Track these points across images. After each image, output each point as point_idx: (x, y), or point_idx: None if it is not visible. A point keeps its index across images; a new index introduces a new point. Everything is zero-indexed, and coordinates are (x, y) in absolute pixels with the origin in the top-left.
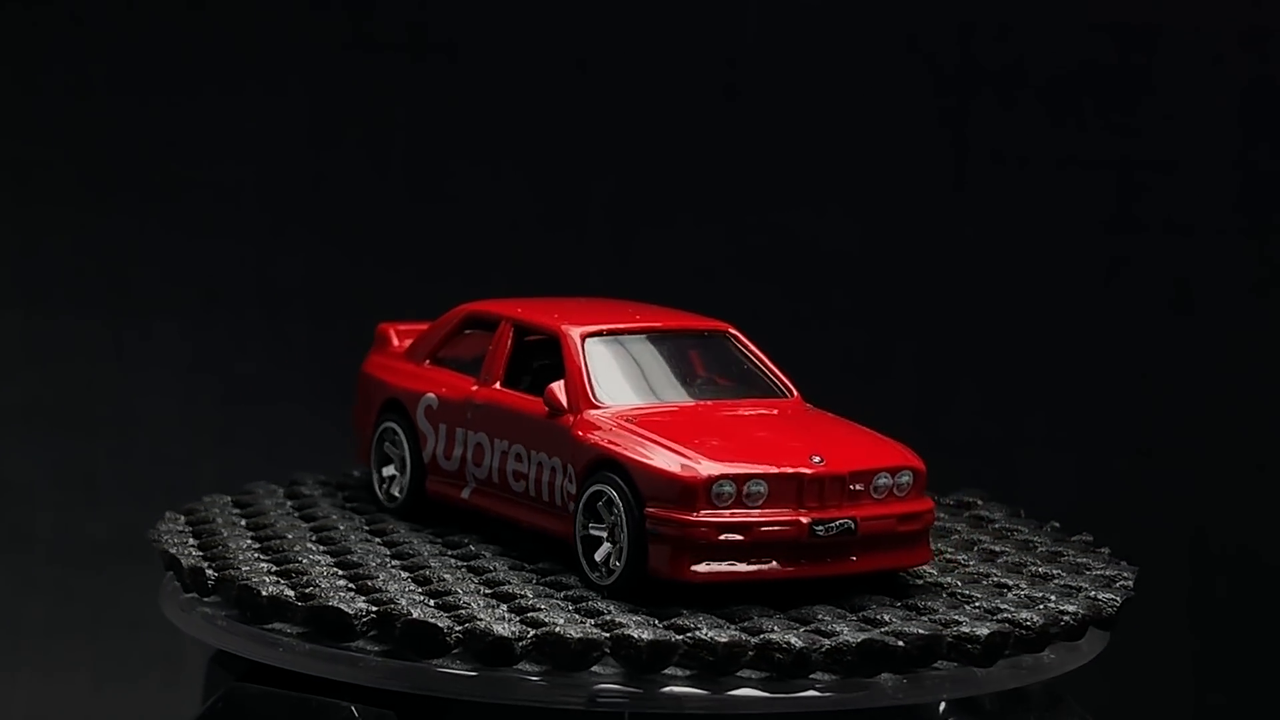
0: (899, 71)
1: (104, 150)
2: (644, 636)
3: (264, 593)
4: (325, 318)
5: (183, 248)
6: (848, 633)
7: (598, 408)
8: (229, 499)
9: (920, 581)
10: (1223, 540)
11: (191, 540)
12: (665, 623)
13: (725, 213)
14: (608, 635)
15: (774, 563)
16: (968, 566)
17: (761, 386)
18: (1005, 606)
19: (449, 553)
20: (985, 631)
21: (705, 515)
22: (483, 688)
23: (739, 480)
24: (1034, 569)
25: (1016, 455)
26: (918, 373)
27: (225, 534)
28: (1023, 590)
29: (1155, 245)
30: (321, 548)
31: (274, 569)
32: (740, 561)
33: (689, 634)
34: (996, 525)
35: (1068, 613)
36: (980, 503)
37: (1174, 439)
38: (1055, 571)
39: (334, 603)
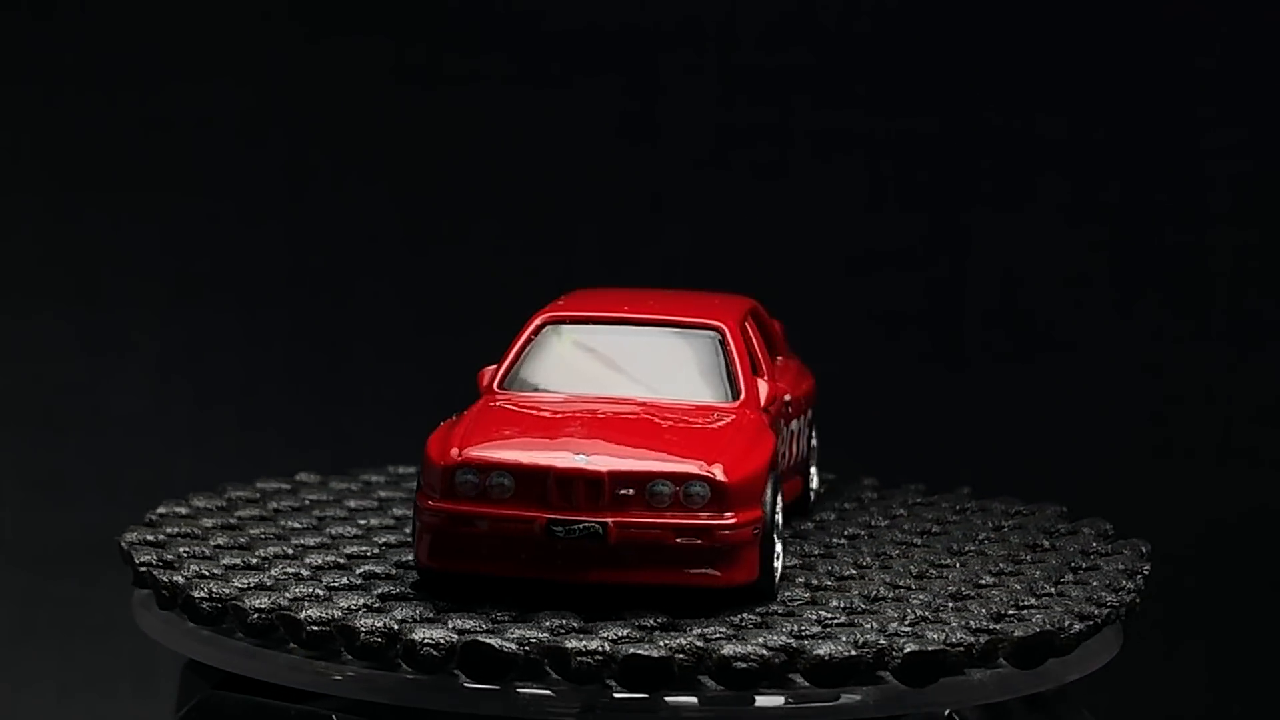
0: None
1: (72, 139)
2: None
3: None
4: (303, 312)
5: (154, 239)
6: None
7: (497, 394)
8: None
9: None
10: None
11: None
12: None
13: None
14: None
15: (521, 559)
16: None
17: (711, 388)
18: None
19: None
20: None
21: (445, 504)
22: (469, 701)
23: (482, 471)
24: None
25: (1019, 453)
26: (921, 371)
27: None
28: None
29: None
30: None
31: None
32: (484, 555)
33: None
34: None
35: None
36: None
37: (1188, 433)
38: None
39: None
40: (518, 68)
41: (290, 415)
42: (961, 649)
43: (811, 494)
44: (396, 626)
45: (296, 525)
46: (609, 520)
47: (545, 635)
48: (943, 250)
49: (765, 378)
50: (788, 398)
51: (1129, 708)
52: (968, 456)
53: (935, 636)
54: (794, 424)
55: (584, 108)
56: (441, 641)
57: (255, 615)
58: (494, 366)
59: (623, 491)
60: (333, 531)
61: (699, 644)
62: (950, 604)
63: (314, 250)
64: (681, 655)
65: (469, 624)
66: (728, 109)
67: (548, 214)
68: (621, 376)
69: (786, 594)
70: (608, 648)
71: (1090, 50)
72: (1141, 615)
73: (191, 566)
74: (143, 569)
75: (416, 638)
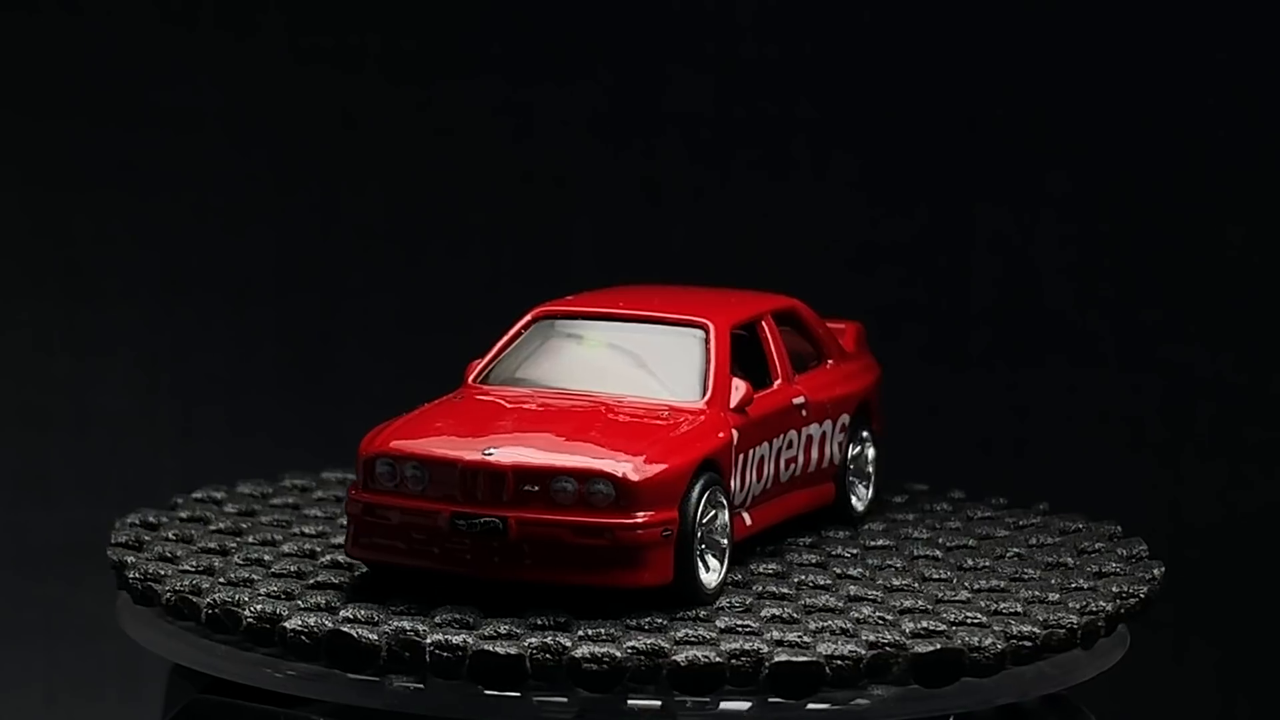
0: None
1: (57, 135)
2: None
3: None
4: (291, 310)
5: (143, 230)
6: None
7: (471, 387)
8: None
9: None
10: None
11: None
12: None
13: None
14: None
15: (435, 552)
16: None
17: (680, 386)
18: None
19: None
20: (999, 646)
21: (365, 494)
22: (460, 706)
23: (397, 462)
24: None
25: (1025, 450)
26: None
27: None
28: (1036, 594)
29: None
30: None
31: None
32: (401, 547)
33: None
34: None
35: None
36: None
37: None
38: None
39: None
40: (510, 60)
41: (278, 415)
42: (849, 662)
43: (856, 501)
44: (280, 611)
45: (277, 524)
46: (510, 516)
47: (423, 629)
48: (946, 245)
49: (744, 379)
50: (798, 400)
51: (1136, 711)
52: (972, 456)
53: (827, 649)
54: (811, 428)
55: (579, 101)
56: (315, 629)
57: (209, 611)
58: (480, 360)
59: (527, 488)
60: (314, 530)
61: (561, 643)
62: (887, 618)
63: (303, 248)
64: (537, 654)
65: (360, 614)
66: (728, 101)
67: (542, 210)
68: (598, 372)
69: (728, 600)
70: (469, 643)
71: (1096, 44)
72: (1150, 616)
73: (176, 571)
74: (131, 577)
75: (289, 625)
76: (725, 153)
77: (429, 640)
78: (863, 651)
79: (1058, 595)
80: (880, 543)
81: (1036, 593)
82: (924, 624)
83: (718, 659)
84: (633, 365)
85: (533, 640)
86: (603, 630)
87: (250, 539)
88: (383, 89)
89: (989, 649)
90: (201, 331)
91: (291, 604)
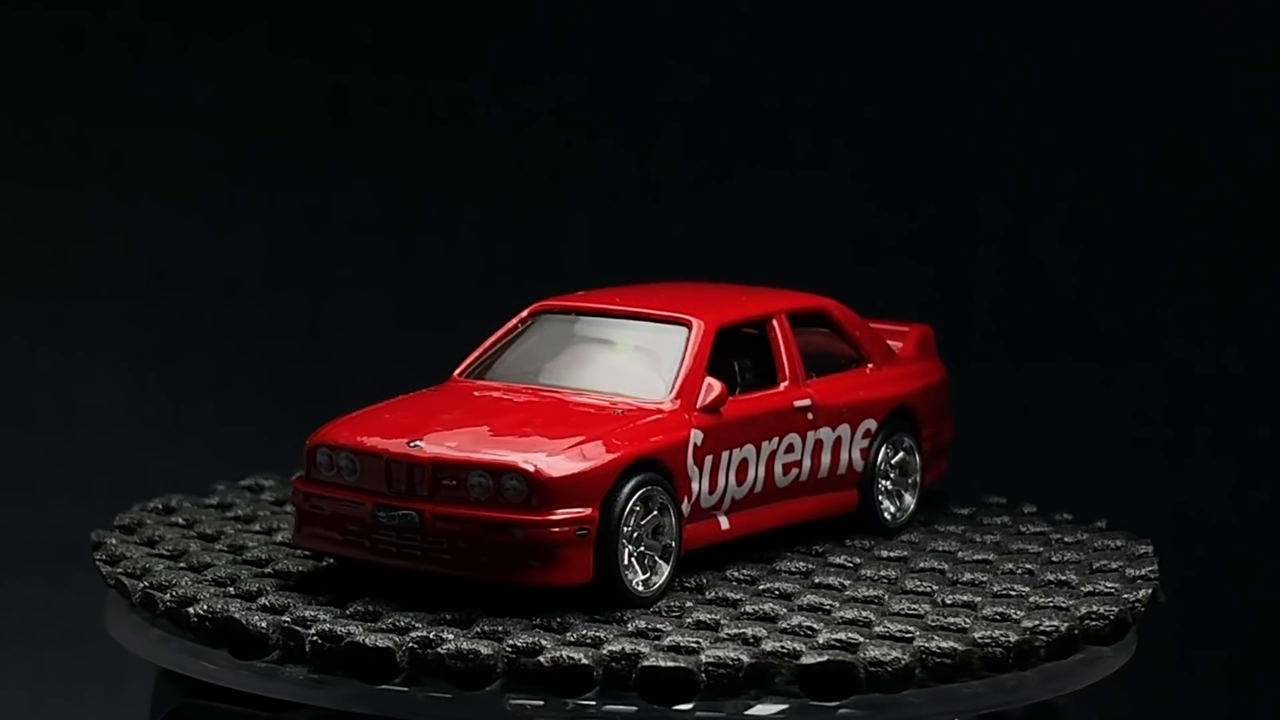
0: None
1: (42, 129)
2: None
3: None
4: (281, 305)
5: (128, 222)
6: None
7: (455, 381)
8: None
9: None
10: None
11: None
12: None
13: None
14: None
15: (365, 544)
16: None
17: (648, 383)
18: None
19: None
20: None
21: (306, 484)
22: (446, 710)
23: (333, 452)
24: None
25: (1035, 448)
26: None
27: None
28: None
29: None
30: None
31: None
32: (337, 537)
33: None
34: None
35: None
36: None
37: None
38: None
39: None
40: (503, 53)
41: (268, 412)
42: (726, 669)
43: (893, 510)
44: (196, 596)
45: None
46: (426, 510)
47: (322, 618)
48: (951, 241)
49: (714, 378)
50: (802, 403)
51: (1142, 716)
52: (982, 453)
53: (714, 656)
54: (822, 433)
55: (571, 96)
56: (217, 615)
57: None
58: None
59: (445, 481)
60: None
61: (443, 637)
62: (816, 628)
63: (292, 243)
64: (405, 647)
65: (276, 602)
66: (725, 94)
67: (536, 205)
68: (577, 368)
69: (668, 602)
70: (349, 633)
71: (1104, 36)
72: (1156, 619)
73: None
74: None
75: (192, 610)
76: (724, 146)
77: (313, 631)
78: (744, 659)
79: (1023, 613)
80: (894, 554)
81: (1006, 609)
82: (843, 635)
83: (585, 661)
84: (611, 360)
85: (414, 634)
86: (500, 626)
87: (226, 538)
88: (372, 82)
89: (892, 664)
90: (189, 328)
91: (222, 592)
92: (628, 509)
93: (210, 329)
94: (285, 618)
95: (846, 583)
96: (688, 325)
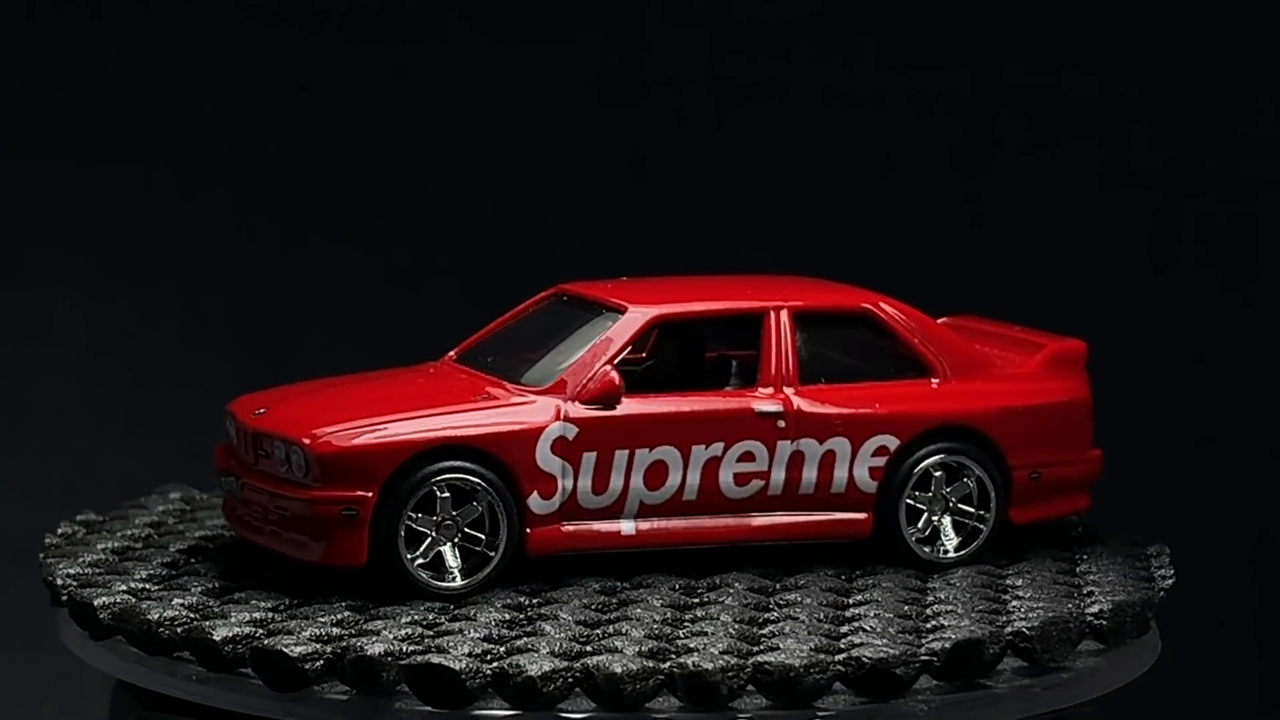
0: None
1: None
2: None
3: (217, 636)
4: (248, 285)
5: (84, 207)
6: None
7: (444, 361)
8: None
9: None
10: None
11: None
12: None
13: None
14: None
15: (237, 515)
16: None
17: (549, 371)
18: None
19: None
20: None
21: (217, 453)
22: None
23: (227, 418)
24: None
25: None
26: None
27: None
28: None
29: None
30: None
31: (182, 600)
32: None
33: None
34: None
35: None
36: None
37: (1236, 428)
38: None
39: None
40: (485, 17)
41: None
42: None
43: (941, 544)
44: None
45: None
46: (244, 480)
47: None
48: (956, 218)
49: (609, 370)
50: (766, 408)
51: None
52: None
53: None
54: (803, 443)
55: (561, 63)
56: (118, 607)
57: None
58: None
59: (261, 451)
60: None
61: (191, 618)
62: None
63: (260, 217)
64: (172, 627)
65: (195, 602)
66: (719, 64)
67: (519, 179)
68: (527, 353)
69: (512, 598)
70: (119, 602)
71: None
72: (1177, 624)
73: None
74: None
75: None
76: (718, 115)
77: (219, 634)
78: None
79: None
80: (874, 585)
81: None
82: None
83: (296, 648)
84: (559, 347)
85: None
86: (303, 612)
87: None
88: (344, 50)
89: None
90: (150, 312)
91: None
92: (419, 495)
93: (174, 314)
94: (190, 614)
95: (752, 603)
96: (620, 312)
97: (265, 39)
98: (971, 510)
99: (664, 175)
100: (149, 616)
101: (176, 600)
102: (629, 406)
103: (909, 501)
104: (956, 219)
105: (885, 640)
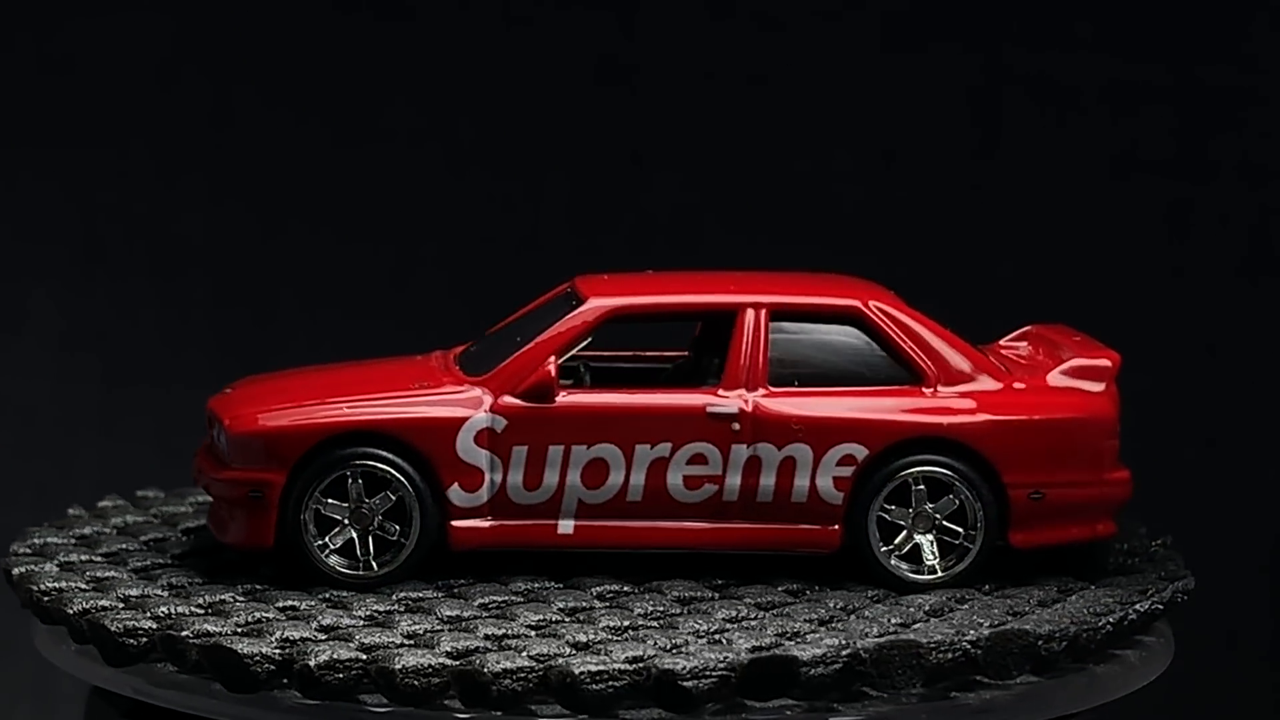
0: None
1: None
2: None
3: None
4: (227, 283)
5: (57, 198)
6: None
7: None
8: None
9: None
10: None
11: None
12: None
13: None
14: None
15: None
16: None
17: (495, 359)
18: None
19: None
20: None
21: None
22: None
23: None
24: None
25: None
26: None
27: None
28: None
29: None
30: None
31: (154, 606)
32: None
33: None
34: None
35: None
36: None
37: (1247, 426)
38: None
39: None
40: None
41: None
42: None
43: (890, 560)
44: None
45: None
46: (198, 456)
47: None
48: (960, 207)
49: (551, 365)
50: (718, 409)
51: None
52: None
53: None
54: (760, 448)
55: (554, 46)
56: (90, 613)
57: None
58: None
59: (213, 430)
60: None
61: (165, 624)
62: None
63: (240, 206)
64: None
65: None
66: (715, 51)
67: (512, 164)
68: (505, 343)
69: (436, 594)
70: (90, 609)
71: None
72: (1191, 628)
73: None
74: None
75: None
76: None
77: (187, 631)
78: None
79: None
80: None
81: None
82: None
83: (224, 637)
84: (523, 339)
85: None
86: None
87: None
88: (337, 24)
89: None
90: (125, 305)
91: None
92: (327, 480)
93: (148, 305)
94: (162, 616)
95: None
96: (580, 303)
97: (248, 20)
98: (959, 529)
99: (658, 164)
100: (113, 627)
101: (150, 603)
102: (566, 400)
103: (885, 516)
104: (962, 208)
105: (687, 654)
